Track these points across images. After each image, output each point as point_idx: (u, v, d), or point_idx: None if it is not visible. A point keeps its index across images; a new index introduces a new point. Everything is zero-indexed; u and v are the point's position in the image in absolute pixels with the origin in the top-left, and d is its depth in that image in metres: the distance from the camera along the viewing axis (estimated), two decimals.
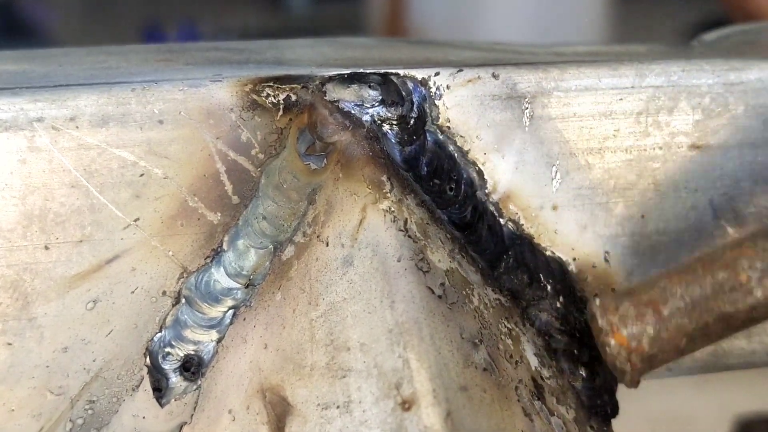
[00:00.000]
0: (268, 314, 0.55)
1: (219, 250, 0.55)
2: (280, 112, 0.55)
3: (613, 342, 0.52)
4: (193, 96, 0.54)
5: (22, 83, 0.53)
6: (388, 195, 0.57)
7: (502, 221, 0.58)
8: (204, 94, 0.54)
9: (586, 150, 0.59)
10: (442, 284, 0.57)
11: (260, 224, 0.55)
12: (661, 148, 0.59)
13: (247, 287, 0.55)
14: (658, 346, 0.52)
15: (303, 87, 0.55)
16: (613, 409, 0.60)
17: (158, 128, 0.53)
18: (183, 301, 0.55)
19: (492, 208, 0.58)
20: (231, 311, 0.55)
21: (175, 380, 0.55)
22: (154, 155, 0.53)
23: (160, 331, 0.54)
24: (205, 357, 0.55)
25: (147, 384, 0.54)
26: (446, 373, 0.55)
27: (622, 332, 0.52)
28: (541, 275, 0.59)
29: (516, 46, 0.72)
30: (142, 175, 0.53)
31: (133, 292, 0.54)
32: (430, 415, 0.54)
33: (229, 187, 0.55)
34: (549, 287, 0.59)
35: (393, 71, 0.56)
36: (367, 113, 0.56)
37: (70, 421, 0.53)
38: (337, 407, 0.54)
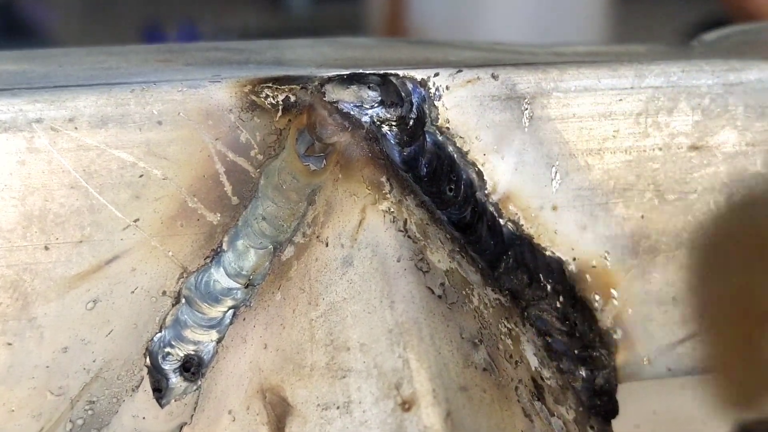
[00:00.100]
0: (267, 314, 0.55)
1: (219, 250, 0.55)
2: (279, 113, 0.55)
3: None
4: (192, 97, 0.54)
5: (22, 84, 0.53)
6: (388, 196, 0.57)
7: (501, 222, 0.58)
8: (203, 94, 0.54)
9: (585, 151, 0.59)
10: (442, 284, 0.57)
11: (260, 225, 0.55)
12: (660, 149, 0.59)
13: (246, 287, 0.55)
14: None
15: (302, 88, 0.55)
16: (613, 409, 0.60)
17: (157, 129, 0.53)
18: (183, 301, 0.55)
19: (492, 208, 0.58)
20: (231, 311, 0.55)
21: (175, 380, 0.55)
22: (154, 156, 0.53)
23: (160, 331, 0.54)
24: (205, 357, 0.55)
25: (147, 384, 0.54)
26: (446, 373, 0.55)
27: None
28: (540, 275, 0.59)
29: (516, 47, 0.72)
30: (141, 175, 0.53)
31: (133, 292, 0.54)
32: (430, 415, 0.54)
33: (228, 188, 0.55)
34: (549, 287, 0.59)
35: (392, 72, 0.56)
36: (367, 114, 0.56)
37: (70, 421, 0.53)
38: (337, 407, 0.54)
